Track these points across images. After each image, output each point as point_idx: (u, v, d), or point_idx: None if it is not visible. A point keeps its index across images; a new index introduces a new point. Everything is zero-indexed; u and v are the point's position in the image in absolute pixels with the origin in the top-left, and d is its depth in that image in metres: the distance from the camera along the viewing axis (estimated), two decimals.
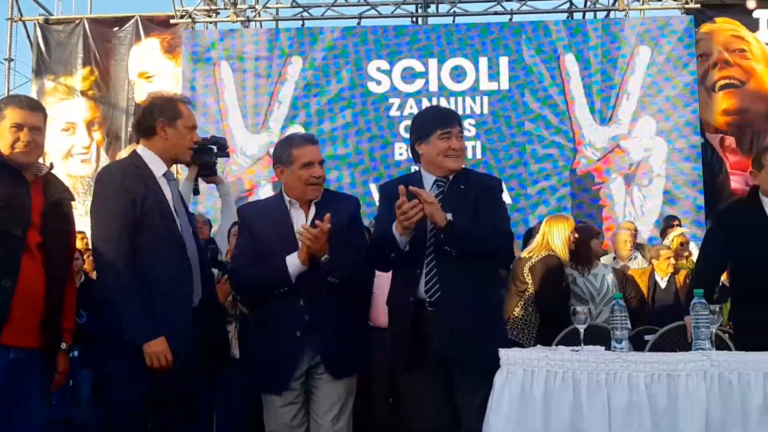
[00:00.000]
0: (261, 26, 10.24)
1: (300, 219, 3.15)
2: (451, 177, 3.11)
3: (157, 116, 3.01)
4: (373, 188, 8.90)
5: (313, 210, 3.16)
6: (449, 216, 2.90)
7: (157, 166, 3.01)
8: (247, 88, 9.48)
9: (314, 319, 3.05)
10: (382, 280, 3.40)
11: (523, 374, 2.60)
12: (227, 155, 4.44)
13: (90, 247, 5.17)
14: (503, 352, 2.67)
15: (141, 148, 3.04)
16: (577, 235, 5.03)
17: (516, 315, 4.82)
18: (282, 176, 3.17)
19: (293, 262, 3.02)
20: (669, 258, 6.07)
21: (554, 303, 4.77)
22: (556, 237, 4.98)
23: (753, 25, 9.20)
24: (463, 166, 3.17)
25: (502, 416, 2.59)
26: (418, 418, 3.05)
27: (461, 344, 2.90)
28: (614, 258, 6.80)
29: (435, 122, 3.11)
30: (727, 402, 2.49)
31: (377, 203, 3.57)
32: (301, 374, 3.07)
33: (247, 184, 9.25)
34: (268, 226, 3.17)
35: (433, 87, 9.30)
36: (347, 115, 9.31)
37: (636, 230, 7.36)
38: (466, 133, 9.05)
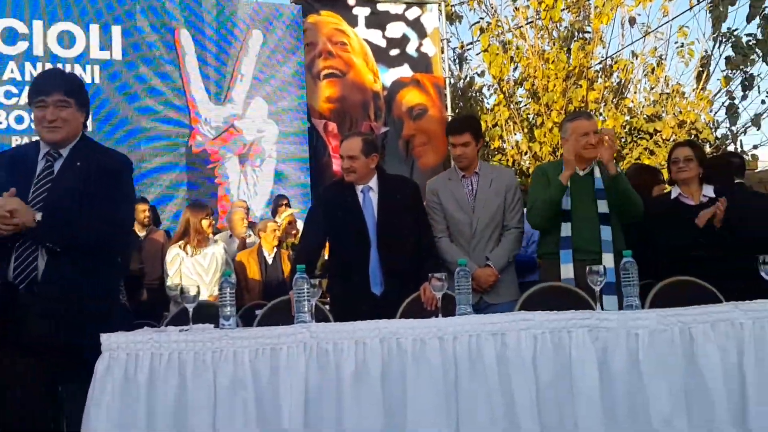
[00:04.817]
0: None
1: None
2: (68, 149, 2.91)
3: None
4: None
5: None
6: (38, 216, 2.72)
7: None
8: None
9: None
10: None
11: (127, 359, 2.50)
12: None
13: None
14: (105, 337, 2.53)
15: None
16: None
17: None
18: None
19: None
20: (275, 231, 6.38)
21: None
22: None
23: (353, 21, 10.04)
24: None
25: (104, 406, 2.47)
26: (13, 415, 2.73)
27: (59, 331, 2.68)
28: (230, 236, 6.94)
29: (32, 89, 2.96)
30: (324, 370, 2.67)
31: None
32: None
33: None
34: None
35: (38, 51, 8.43)
36: None
37: (248, 208, 7.59)
38: None
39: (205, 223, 5.59)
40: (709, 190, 4.19)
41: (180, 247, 5.54)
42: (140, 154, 8.61)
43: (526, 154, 11.28)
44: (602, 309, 3.05)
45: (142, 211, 6.28)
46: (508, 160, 11.40)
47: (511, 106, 11.46)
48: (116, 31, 8.78)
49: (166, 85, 8.94)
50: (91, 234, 2.83)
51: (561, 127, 4.20)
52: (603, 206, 3.93)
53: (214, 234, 6.53)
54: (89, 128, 8.25)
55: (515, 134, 11.64)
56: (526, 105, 11.88)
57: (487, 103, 12.60)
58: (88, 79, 8.57)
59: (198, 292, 2.97)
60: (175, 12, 9.07)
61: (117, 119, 8.66)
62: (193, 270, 5.46)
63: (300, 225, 6.92)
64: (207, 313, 3.96)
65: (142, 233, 6.23)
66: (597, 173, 3.99)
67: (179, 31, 9.04)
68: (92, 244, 2.87)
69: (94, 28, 8.69)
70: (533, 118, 11.46)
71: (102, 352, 2.53)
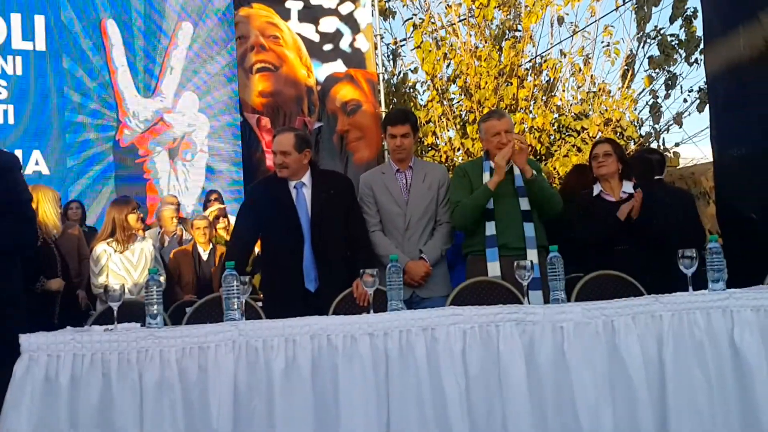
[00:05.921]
0: None
1: None
2: None
3: None
4: None
5: None
6: None
7: None
8: None
9: None
10: None
11: (48, 360, 2.42)
12: None
13: None
14: (24, 338, 2.45)
15: None
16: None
17: None
18: None
19: None
20: (203, 228, 6.29)
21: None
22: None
23: (285, 14, 9.92)
24: None
25: (24, 409, 2.38)
26: None
27: None
28: (160, 232, 6.81)
29: None
30: (253, 368, 2.65)
31: None
32: None
33: None
34: None
35: None
36: None
37: (179, 204, 7.46)
38: None
39: (132, 218, 5.45)
40: (628, 186, 4.31)
41: (108, 243, 5.40)
42: (66, 148, 8.35)
43: (458, 150, 11.39)
44: (529, 304, 3.12)
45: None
46: (441, 156, 11.50)
47: (444, 103, 11.55)
48: (39, 20, 8.46)
49: (92, 78, 8.66)
50: (6, 240, 2.75)
51: (478, 127, 4.27)
52: (524, 203, 4.01)
53: (145, 230, 6.40)
54: (11, 121, 8.08)
55: (448, 130, 11.74)
56: (458, 102, 11.98)
57: (421, 99, 12.67)
58: (9, 71, 8.27)
59: (123, 290, 2.90)
60: (102, 2, 8.81)
61: (40, 112, 8.37)
62: (121, 266, 5.33)
63: (231, 220, 6.84)
64: (135, 312, 3.89)
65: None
66: (517, 171, 4.07)
67: (106, 22, 8.78)
68: (10, 251, 2.78)
69: (16, 17, 8.37)
70: (466, 115, 11.58)
71: (21, 354, 2.44)
